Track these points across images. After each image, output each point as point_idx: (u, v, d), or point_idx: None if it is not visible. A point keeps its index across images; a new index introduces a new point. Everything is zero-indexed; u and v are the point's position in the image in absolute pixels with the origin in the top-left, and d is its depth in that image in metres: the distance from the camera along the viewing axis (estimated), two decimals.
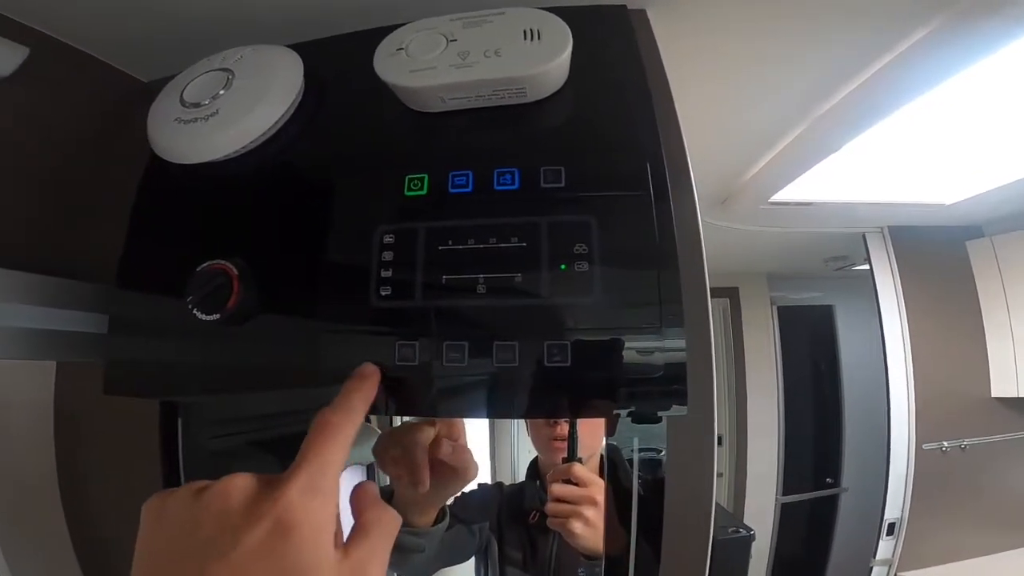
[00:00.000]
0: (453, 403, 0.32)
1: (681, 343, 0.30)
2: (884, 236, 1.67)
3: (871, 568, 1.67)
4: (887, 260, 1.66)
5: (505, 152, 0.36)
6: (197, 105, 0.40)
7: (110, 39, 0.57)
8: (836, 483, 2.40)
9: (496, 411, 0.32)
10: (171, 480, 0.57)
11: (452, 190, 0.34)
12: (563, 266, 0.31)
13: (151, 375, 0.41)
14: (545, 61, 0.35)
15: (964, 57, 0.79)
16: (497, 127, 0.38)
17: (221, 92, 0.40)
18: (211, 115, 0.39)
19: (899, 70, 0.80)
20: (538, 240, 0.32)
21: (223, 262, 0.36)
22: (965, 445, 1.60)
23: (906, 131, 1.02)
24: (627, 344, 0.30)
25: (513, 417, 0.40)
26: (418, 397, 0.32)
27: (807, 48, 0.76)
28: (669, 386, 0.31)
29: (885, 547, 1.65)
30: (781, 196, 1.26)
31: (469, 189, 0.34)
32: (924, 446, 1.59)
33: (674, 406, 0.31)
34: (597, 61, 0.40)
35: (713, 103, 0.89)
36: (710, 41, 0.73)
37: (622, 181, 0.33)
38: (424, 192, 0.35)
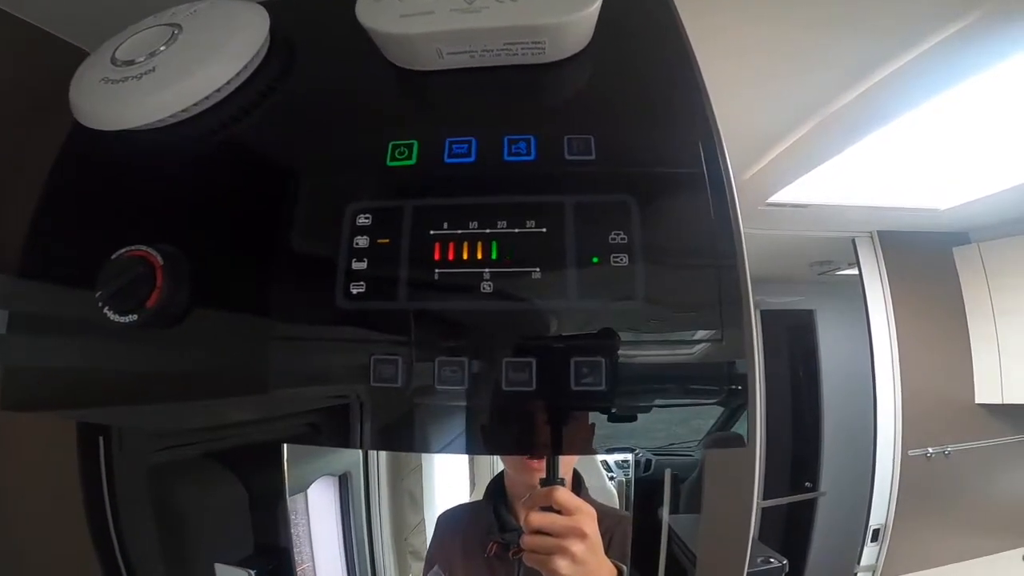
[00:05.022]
0: (446, 438, 0.24)
1: (742, 357, 0.24)
2: (873, 241, 1.66)
3: (855, 574, 1.66)
4: (876, 265, 1.65)
5: (518, 117, 0.29)
6: (130, 63, 0.35)
7: (55, 7, 0.51)
8: (815, 487, 2.41)
9: (506, 447, 0.24)
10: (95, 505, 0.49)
11: (449, 159, 0.27)
12: (595, 259, 0.24)
13: (57, 385, 0.34)
14: (574, 9, 0.28)
15: (979, 62, 0.77)
16: (508, 89, 0.31)
17: (161, 48, 0.35)
18: (145, 73, 0.34)
19: (913, 73, 0.78)
20: (562, 225, 0.25)
21: (144, 248, 0.28)
22: (949, 451, 1.61)
23: (906, 135, 1.00)
24: (682, 359, 0.23)
25: (532, 455, 0.33)
26: (401, 429, 0.24)
27: (828, 41, 0.72)
28: (730, 406, 0.24)
29: (869, 553, 1.65)
30: (778, 197, 1.22)
31: (471, 159, 0.27)
32: (909, 452, 1.59)
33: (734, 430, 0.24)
34: (625, 21, 0.34)
35: (720, 95, 0.83)
36: (727, 23, 0.68)
37: (669, 156, 0.26)
38: (412, 161, 0.27)
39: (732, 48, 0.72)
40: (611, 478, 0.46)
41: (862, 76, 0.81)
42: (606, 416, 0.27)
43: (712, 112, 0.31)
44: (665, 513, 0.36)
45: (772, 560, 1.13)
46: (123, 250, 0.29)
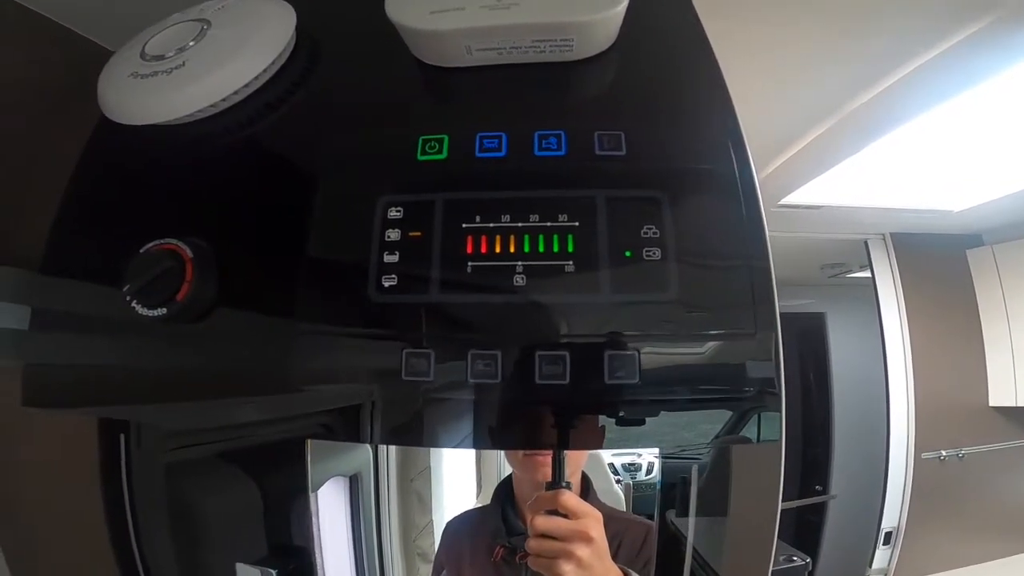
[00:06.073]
0: (476, 432, 0.24)
1: (771, 356, 0.24)
2: (886, 243, 1.65)
3: None
4: (889, 267, 1.63)
5: (547, 113, 0.29)
6: (160, 58, 0.35)
7: (76, 4, 0.50)
8: (825, 490, 2.39)
9: (536, 442, 0.24)
10: (115, 502, 0.49)
11: (480, 154, 0.27)
12: (628, 252, 0.24)
13: (79, 382, 0.33)
14: (604, 7, 0.29)
15: (994, 65, 0.76)
16: (536, 86, 0.31)
17: (191, 43, 0.35)
18: (175, 68, 0.34)
19: (928, 75, 0.77)
20: (594, 219, 0.25)
21: (174, 242, 0.28)
22: (963, 454, 1.59)
23: (921, 137, 0.98)
24: (716, 356, 0.23)
25: (558, 449, 0.33)
26: (431, 424, 0.24)
27: (842, 43, 0.71)
28: (759, 405, 0.24)
29: (881, 556, 1.63)
30: (791, 199, 1.21)
31: (502, 153, 0.27)
32: (923, 455, 1.57)
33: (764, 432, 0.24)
34: (648, 20, 0.34)
35: (734, 96, 0.83)
36: (740, 23, 0.67)
37: (700, 154, 0.26)
38: (443, 156, 0.27)
39: (746, 49, 0.72)
40: (618, 481, 0.46)
41: (876, 78, 0.80)
42: (614, 420, 0.27)
43: (735, 113, 0.31)
44: (691, 516, 0.36)
45: (795, 558, 1.11)
46: (152, 243, 0.29)
